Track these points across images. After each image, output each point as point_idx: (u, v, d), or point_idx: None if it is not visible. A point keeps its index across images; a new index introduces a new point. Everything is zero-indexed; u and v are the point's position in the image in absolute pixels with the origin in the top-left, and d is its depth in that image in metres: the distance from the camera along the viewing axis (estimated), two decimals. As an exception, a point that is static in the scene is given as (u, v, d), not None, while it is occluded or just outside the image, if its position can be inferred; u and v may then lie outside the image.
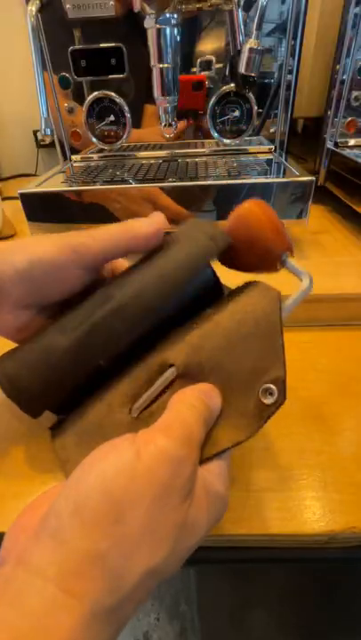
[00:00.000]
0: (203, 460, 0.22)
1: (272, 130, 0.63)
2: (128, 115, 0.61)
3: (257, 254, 0.28)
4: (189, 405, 0.22)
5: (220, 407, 0.23)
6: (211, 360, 0.24)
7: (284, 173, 0.52)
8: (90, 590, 0.16)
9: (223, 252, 0.27)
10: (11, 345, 0.27)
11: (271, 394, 0.23)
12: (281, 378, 0.23)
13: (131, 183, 0.52)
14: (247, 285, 0.27)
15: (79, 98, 0.61)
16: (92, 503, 0.17)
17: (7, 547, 0.19)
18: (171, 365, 0.25)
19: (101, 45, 0.56)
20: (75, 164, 0.65)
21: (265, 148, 0.64)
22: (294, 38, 0.56)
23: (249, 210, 0.26)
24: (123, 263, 0.31)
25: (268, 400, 0.23)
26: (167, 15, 0.47)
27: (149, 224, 0.27)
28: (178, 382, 0.24)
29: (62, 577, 0.16)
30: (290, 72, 0.58)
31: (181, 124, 0.62)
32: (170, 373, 0.25)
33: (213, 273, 0.29)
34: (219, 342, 0.24)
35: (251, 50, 0.47)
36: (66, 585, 0.15)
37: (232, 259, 0.29)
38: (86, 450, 0.20)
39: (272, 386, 0.23)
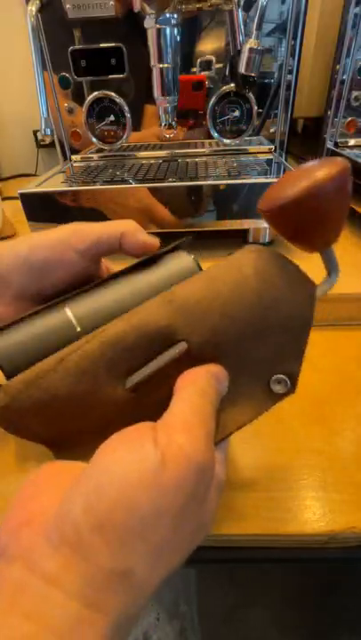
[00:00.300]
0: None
1: (272, 130, 0.63)
2: (128, 115, 0.61)
3: (308, 235, 0.26)
4: (202, 392, 0.20)
5: (226, 388, 0.23)
6: (229, 343, 0.23)
7: (284, 173, 0.52)
8: (115, 604, 0.16)
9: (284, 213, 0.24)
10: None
11: (280, 383, 0.23)
12: (296, 373, 0.23)
13: (131, 183, 0.52)
14: (284, 267, 0.25)
15: (79, 98, 0.61)
16: (117, 520, 0.16)
17: (4, 537, 0.18)
18: (180, 340, 0.22)
19: (101, 45, 0.56)
20: (75, 164, 0.65)
21: (265, 147, 0.64)
22: (294, 38, 0.56)
23: (320, 186, 0.21)
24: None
25: (278, 389, 0.23)
26: (167, 15, 0.47)
27: (150, 237, 0.28)
28: (185, 360, 0.22)
29: (86, 594, 0.15)
30: (290, 72, 0.58)
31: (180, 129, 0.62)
32: (180, 348, 0.22)
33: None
34: (244, 328, 0.23)
35: (251, 50, 0.47)
36: (90, 601, 0.15)
37: (286, 221, 0.26)
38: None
39: (285, 377, 0.23)
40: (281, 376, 0.23)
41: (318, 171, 0.21)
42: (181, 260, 0.29)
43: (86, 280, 0.29)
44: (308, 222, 0.24)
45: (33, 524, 0.17)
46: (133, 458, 0.17)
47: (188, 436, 0.18)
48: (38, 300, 0.28)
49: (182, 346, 0.22)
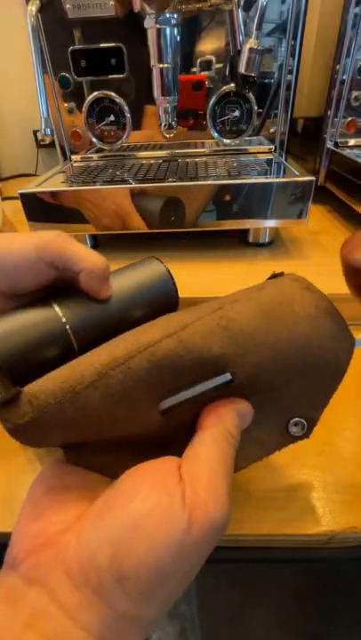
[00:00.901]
0: None
1: (272, 130, 0.63)
2: (128, 115, 0.61)
3: None
4: (228, 434, 0.20)
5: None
6: (267, 381, 0.22)
7: (284, 173, 0.52)
8: None
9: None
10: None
11: (297, 425, 0.23)
12: (315, 420, 0.23)
13: (131, 183, 0.52)
14: (334, 316, 0.24)
15: (79, 98, 0.60)
16: (141, 577, 0.16)
17: (18, 555, 0.19)
18: (227, 371, 0.21)
19: (101, 45, 0.56)
20: (75, 164, 0.65)
21: (265, 147, 0.64)
22: (294, 38, 0.56)
23: None
24: None
25: (295, 431, 0.23)
26: (167, 15, 0.47)
27: (103, 289, 0.29)
28: (221, 389, 0.22)
29: (104, 636, 0.16)
30: (290, 72, 0.58)
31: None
32: (224, 379, 0.22)
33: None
34: (286, 369, 0.22)
35: (251, 50, 0.47)
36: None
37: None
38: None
39: (304, 421, 0.23)
40: (301, 419, 0.23)
41: None
42: (154, 266, 0.33)
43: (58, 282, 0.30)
44: None
45: (51, 550, 0.18)
46: (163, 517, 0.17)
47: (213, 495, 0.18)
48: (14, 298, 0.29)
49: (226, 377, 0.22)
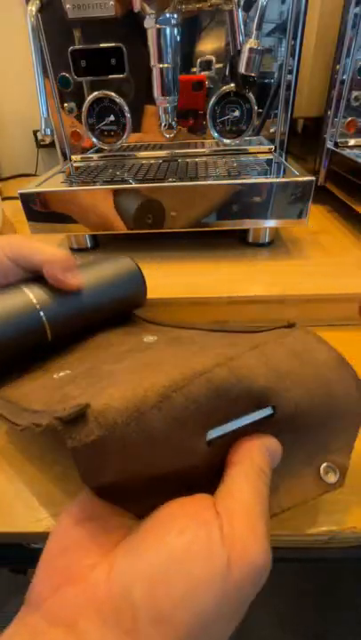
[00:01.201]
0: None
1: (272, 130, 0.63)
2: (128, 115, 0.61)
3: None
4: (260, 470, 0.20)
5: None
6: (301, 420, 0.23)
7: (284, 173, 0.52)
8: None
9: None
10: None
11: (329, 472, 0.23)
12: (345, 466, 0.23)
13: (131, 183, 0.52)
14: (348, 365, 0.25)
15: (79, 98, 0.60)
16: (179, 619, 0.15)
17: (42, 591, 0.18)
18: (270, 405, 0.22)
19: (101, 45, 0.56)
20: (75, 164, 0.65)
21: (265, 147, 0.64)
22: (294, 38, 0.56)
23: None
24: None
25: (327, 477, 0.23)
26: (167, 15, 0.47)
27: (70, 278, 0.32)
28: (261, 424, 0.22)
29: None
30: (290, 72, 0.58)
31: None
32: (266, 413, 0.22)
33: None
34: (318, 410, 0.23)
35: (251, 50, 0.47)
36: None
37: None
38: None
39: (335, 466, 0.23)
40: (332, 465, 0.23)
41: None
42: (123, 261, 0.36)
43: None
44: None
45: (77, 586, 0.17)
46: (202, 551, 0.16)
47: (252, 533, 0.17)
48: None
49: (268, 411, 0.22)
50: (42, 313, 0.30)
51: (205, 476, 0.20)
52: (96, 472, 0.19)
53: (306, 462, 0.23)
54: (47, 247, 0.32)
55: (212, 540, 0.16)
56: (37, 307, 0.30)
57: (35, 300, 0.30)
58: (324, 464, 0.23)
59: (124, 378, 0.23)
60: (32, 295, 0.31)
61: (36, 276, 0.32)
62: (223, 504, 0.18)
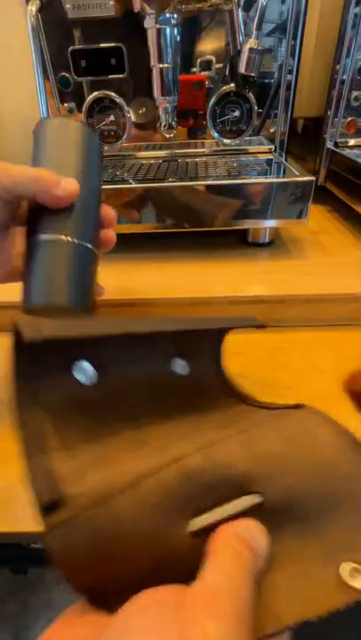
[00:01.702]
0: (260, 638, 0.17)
1: (272, 130, 0.63)
2: (128, 115, 0.61)
3: None
4: (234, 554, 0.18)
5: (266, 549, 0.19)
6: (303, 508, 0.21)
7: (284, 173, 0.52)
8: None
9: None
10: None
11: (355, 575, 0.19)
12: None
13: (131, 183, 0.52)
14: (357, 445, 0.24)
15: (79, 98, 0.60)
16: None
17: None
18: (257, 492, 0.21)
19: (101, 45, 0.56)
20: (75, 164, 0.65)
21: (265, 147, 0.64)
22: (294, 38, 0.56)
23: None
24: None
25: (353, 581, 0.19)
26: (167, 15, 0.46)
27: (64, 189, 0.31)
28: (256, 513, 0.20)
29: None
30: (290, 72, 0.58)
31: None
32: (254, 501, 0.21)
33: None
34: (317, 495, 0.21)
35: (251, 50, 0.47)
36: None
37: None
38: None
39: (359, 567, 0.20)
40: (355, 565, 0.19)
41: None
42: (71, 125, 0.35)
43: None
44: None
45: None
46: (154, 631, 0.15)
47: (214, 616, 0.15)
48: None
49: (257, 498, 0.21)
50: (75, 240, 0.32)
51: (194, 574, 0.18)
52: (73, 564, 0.19)
53: (324, 562, 0.20)
54: (23, 171, 0.31)
55: (165, 617, 0.15)
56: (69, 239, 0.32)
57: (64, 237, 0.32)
58: (349, 566, 0.19)
59: (109, 467, 0.22)
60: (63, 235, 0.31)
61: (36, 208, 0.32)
62: (191, 588, 0.17)
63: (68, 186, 0.31)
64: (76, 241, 0.31)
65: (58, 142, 0.34)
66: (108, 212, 0.36)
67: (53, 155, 0.33)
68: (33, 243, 0.31)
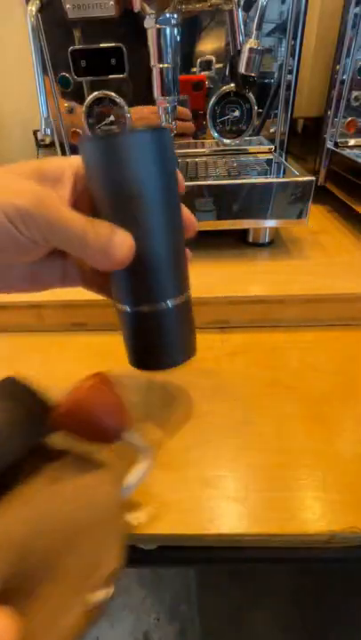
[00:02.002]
0: None
1: (272, 130, 0.63)
2: (128, 115, 0.61)
3: (92, 434, 0.26)
4: None
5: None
6: (42, 567, 0.20)
7: (284, 173, 0.52)
8: None
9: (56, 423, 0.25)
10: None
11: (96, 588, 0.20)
12: (117, 570, 0.21)
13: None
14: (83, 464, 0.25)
15: (79, 98, 0.60)
16: None
17: None
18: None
19: (101, 45, 0.56)
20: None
21: (265, 147, 0.64)
22: (294, 38, 0.56)
23: (82, 395, 0.25)
24: None
25: (96, 597, 0.20)
26: (167, 15, 0.46)
27: (114, 255, 0.23)
28: None
29: None
30: (290, 72, 0.58)
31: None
32: None
33: None
34: (53, 539, 0.21)
35: (251, 50, 0.47)
36: None
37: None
38: None
39: (102, 580, 0.20)
40: (100, 581, 0.20)
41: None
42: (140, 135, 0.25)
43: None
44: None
45: None
46: None
47: None
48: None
49: None
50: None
51: None
52: None
53: (72, 597, 0.20)
54: (85, 226, 0.22)
55: None
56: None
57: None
58: (91, 585, 0.20)
59: None
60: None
61: None
62: None
63: (121, 247, 0.23)
64: (170, 304, 0.27)
65: (116, 171, 0.23)
66: (188, 218, 0.29)
67: (107, 193, 0.24)
68: (127, 313, 0.28)
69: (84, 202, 0.25)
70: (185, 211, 0.28)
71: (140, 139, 0.23)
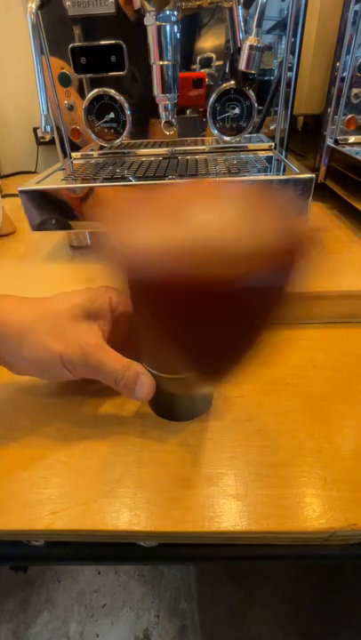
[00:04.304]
0: None
1: (272, 127, 0.63)
2: (128, 112, 0.61)
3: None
4: None
5: None
6: None
7: (284, 171, 0.52)
8: None
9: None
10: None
11: None
12: None
13: (131, 181, 0.52)
14: None
15: (79, 95, 0.60)
16: None
17: None
18: None
19: (101, 42, 0.56)
20: (75, 162, 0.65)
21: (265, 145, 0.64)
22: (294, 35, 0.56)
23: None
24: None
25: None
26: (167, 12, 0.46)
27: (137, 396, 0.30)
28: None
29: None
30: (290, 69, 0.58)
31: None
32: None
33: None
34: None
35: (251, 47, 0.47)
36: None
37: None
38: None
39: None
40: None
41: None
42: None
43: None
44: None
45: None
46: None
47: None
48: None
49: None
50: None
51: None
52: None
53: None
54: (113, 359, 0.30)
55: None
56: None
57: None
58: None
59: None
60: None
61: None
62: None
63: (143, 389, 0.30)
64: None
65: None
66: None
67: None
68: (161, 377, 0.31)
69: (120, 324, 0.32)
70: None
71: None
